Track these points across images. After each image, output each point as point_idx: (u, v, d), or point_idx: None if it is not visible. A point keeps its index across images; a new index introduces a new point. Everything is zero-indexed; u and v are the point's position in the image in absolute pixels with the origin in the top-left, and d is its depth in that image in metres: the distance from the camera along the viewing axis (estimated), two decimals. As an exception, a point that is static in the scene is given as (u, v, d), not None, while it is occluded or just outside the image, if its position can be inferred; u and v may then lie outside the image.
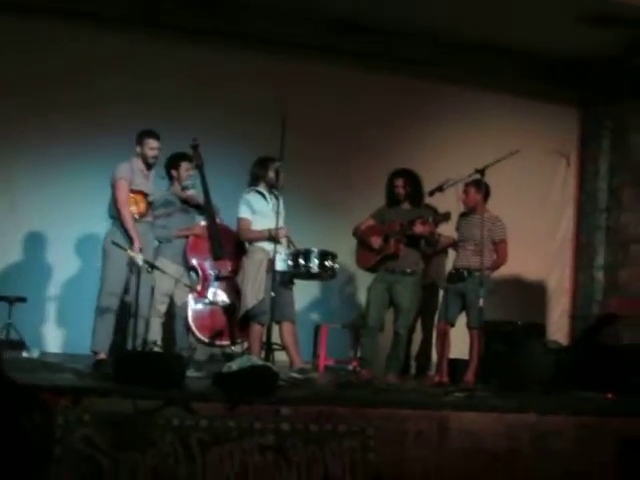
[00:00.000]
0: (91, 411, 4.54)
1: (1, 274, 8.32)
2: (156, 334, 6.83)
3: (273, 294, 6.38)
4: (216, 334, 6.88)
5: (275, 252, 6.42)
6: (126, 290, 6.43)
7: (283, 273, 6.55)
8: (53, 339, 8.35)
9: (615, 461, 5.51)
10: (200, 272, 7.01)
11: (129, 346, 6.19)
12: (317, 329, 8.56)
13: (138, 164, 6.62)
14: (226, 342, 6.96)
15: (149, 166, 6.67)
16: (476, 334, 6.89)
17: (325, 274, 6.74)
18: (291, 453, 4.83)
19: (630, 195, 9.82)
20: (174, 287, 6.87)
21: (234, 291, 6.82)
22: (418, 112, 9.48)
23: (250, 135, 8.37)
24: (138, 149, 6.62)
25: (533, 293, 10.03)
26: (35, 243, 8.41)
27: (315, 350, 8.46)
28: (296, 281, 6.81)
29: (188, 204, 7.10)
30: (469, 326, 7.01)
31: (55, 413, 4.47)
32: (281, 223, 6.61)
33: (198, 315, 6.90)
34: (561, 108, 10.20)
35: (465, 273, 7.03)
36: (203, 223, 7.09)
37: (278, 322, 6.59)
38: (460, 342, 7.19)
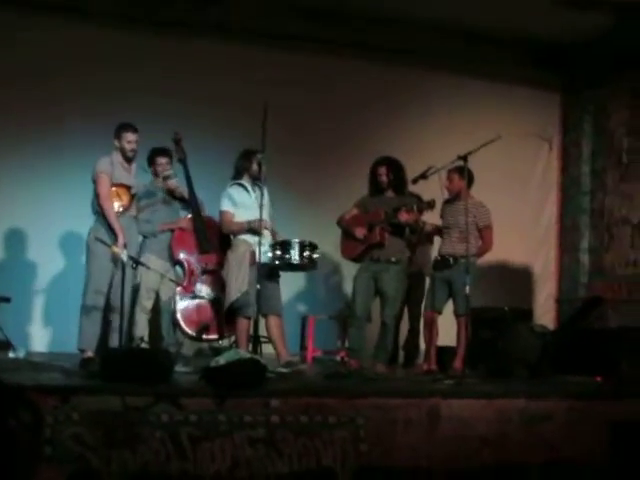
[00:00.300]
0: (80, 409, 4.54)
1: (-17, 274, 8.26)
2: (142, 330, 6.82)
3: (258, 287, 6.35)
4: (203, 328, 6.85)
5: (260, 244, 6.40)
6: (111, 286, 6.41)
7: (266, 265, 6.52)
8: (39, 338, 8.29)
9: (605, 444, 5.54)
10: (186, 266, 6.98)
11: (117, 343, 6.14)
12: (304, 320, 8.54)
13: (118, 158, 6.62)
14: (214, 336, 6.95)
15: (129, 159, 6.66)
16: (463, 321, 6.89)
17: (305, 265, 6.71)
18: (282, 445, 4.84)
19: (614, 177, 9.83)
20: (160, 282, 6.85)
21: (220, 285, 6.80)
22: (400, 100, 9.45)
23: (234, 127, 8.31)
24: (116, 143, 6.63)
25: (519, 278, 10.03)
26: (17, 241, 8.34)
27: (302, 342, 8.44)
28: (281, 273, 6.79)
29: (172, 195, 7.07)
30: (456, 313, 7.02)
31: (44, 412, 4.45)
32: (266, 215, 6.59)
33: (185, 310, 6.87)
34: (543, 93, 10.19)
35: (451, 260, 7.04)
36: (189, 216, 7.07)
37: (264, 315, 6.56)
38: (448, 329, 7.19)
